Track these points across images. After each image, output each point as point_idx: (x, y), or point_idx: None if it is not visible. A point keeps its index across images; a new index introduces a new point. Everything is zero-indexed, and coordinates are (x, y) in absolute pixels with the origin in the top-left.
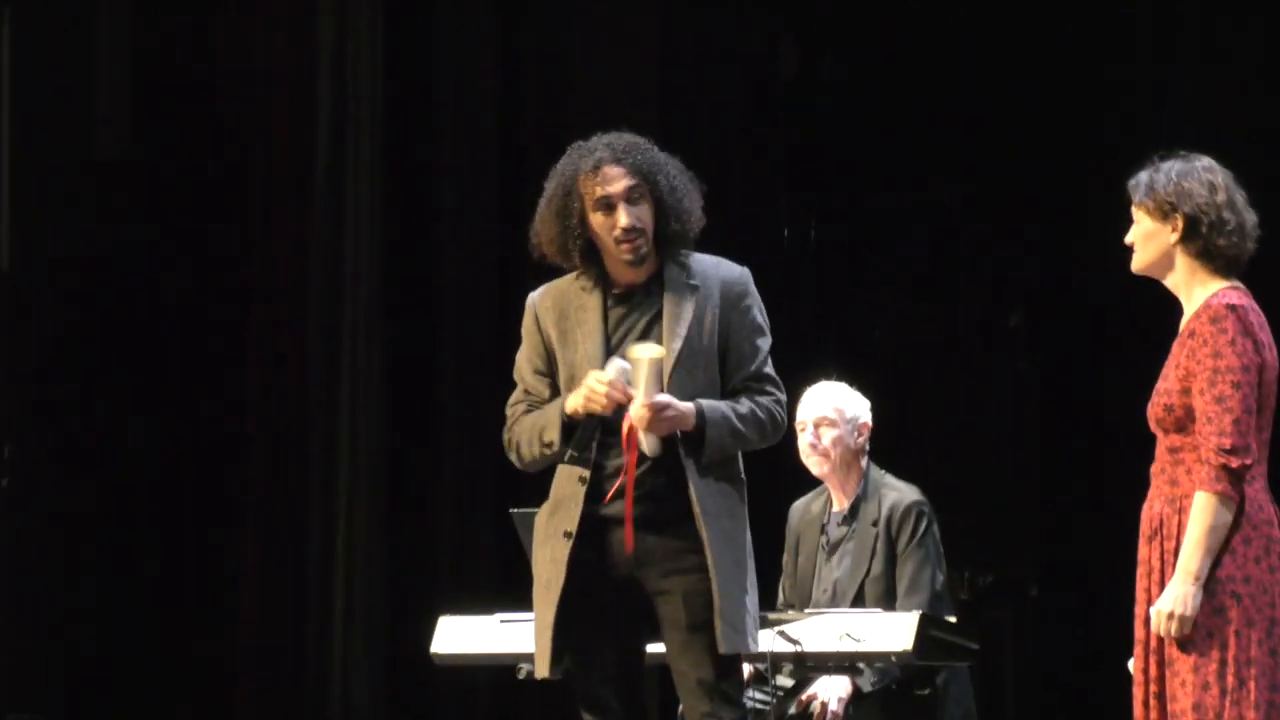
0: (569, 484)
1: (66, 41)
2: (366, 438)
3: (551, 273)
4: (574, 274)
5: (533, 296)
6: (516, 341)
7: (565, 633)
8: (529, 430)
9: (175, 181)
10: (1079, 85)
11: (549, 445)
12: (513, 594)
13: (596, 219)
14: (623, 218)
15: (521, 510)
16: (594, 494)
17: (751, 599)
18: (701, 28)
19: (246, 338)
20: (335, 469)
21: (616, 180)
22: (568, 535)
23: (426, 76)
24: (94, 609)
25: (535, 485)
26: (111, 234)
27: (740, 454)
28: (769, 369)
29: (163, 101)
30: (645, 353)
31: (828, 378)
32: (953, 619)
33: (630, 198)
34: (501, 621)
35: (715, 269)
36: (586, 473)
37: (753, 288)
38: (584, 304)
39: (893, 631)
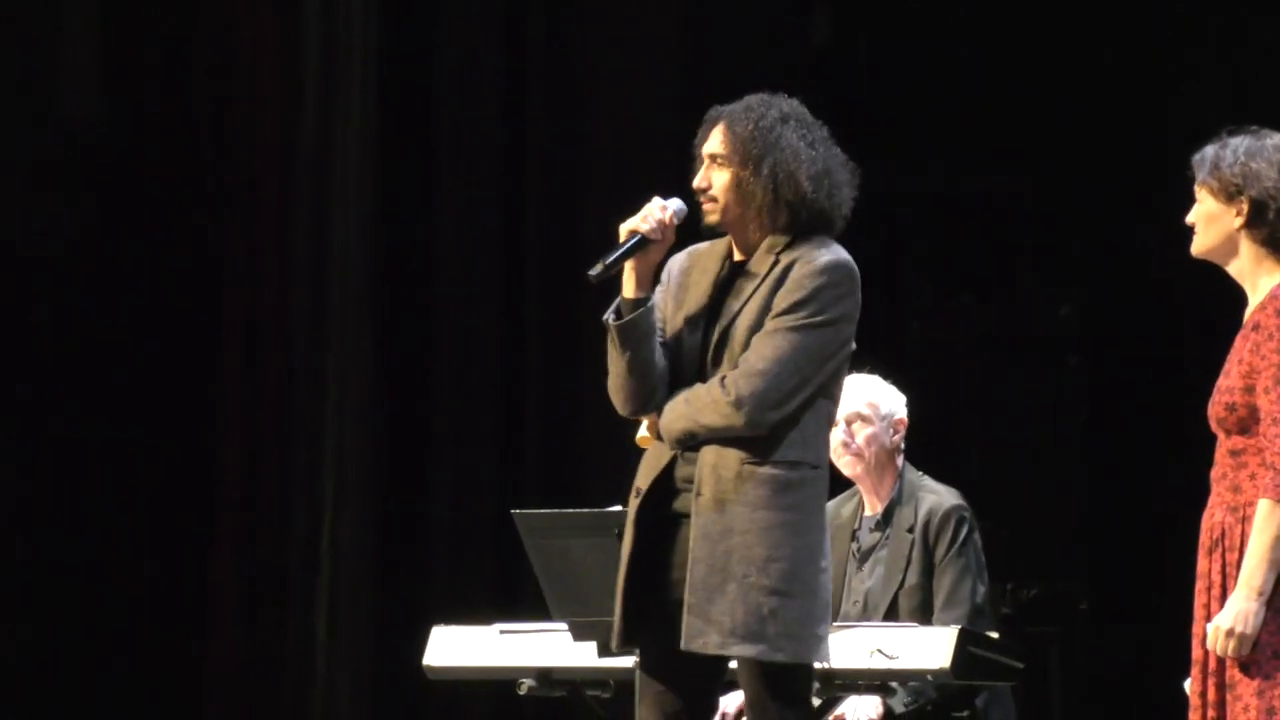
0: (656, 447)
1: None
2: (354, 428)
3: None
4: (721, 239)
5: (673, 257)
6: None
7: (634, 599)
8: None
9: (147, 157)
10: (1142, 56)
11: (607, 328)
12: (513, 602)
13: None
14: (697, 178)
15: (525, 511)
16: (673, 461)
17: (780, 602)
18: None
19: (223, 331)
20: (320, 462)
21: (709, 141)
22: (638, 492)
23: (425, 52)
24: (59, 620)
25: (539, 482)
26: (75, 216)
27: (799, 444)
28: (762, 363)
29: (134, 66)
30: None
31: (861, 371)
32: (994, 635)
33: (716, 162)
34: (501, 632)
35: (807, 252)
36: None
37: (827, 277)
38: (706, 267)
39: (929, 648)
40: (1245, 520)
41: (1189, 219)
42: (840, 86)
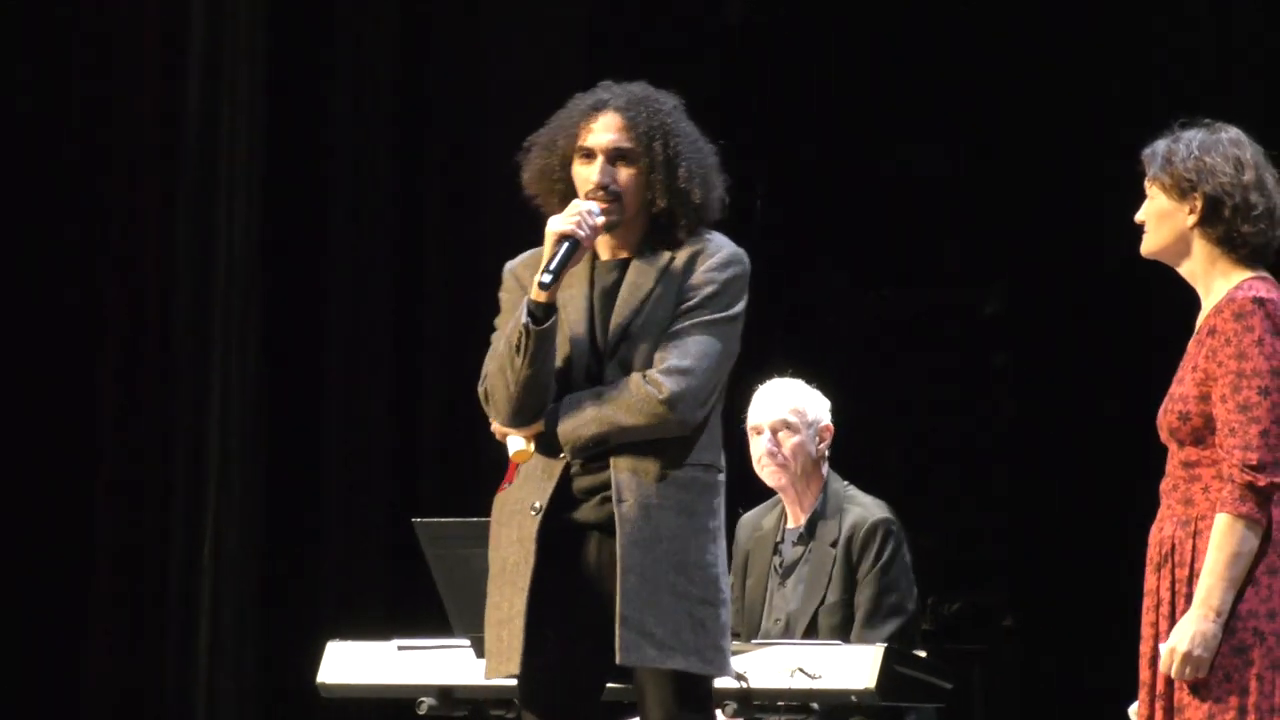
0: (540, 460)
1: None
2: (239, 432)
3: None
4: None
5: (511, 264)
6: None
7: (540, 622)
8: (499, 358)
9: (19, 132)
10: (1083, 29)
11: (523, 333)
12: (411, 617)
13: (576, 167)
14: (594, 174)
15: (426, 520)
16: (567, 472)
17: (707, 613)
18: None
19: (102, 323)
20: (203, 469)
21: (606, 132)
22: (537, 510)
23: (315, 30)
24: None
25: (438, 491)
26: None
27: (710, 446)
28: (688, 360)
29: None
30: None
31: (779, 373)
32: (922, 654)
33: (614, 156)
34: (399, 648)
35: (704, 245)
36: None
37: (733, 270)
38: (571, 270)
39: (853, 667)
40: (1198, 535)
41: (1138, 217)
42: (753, 56)
